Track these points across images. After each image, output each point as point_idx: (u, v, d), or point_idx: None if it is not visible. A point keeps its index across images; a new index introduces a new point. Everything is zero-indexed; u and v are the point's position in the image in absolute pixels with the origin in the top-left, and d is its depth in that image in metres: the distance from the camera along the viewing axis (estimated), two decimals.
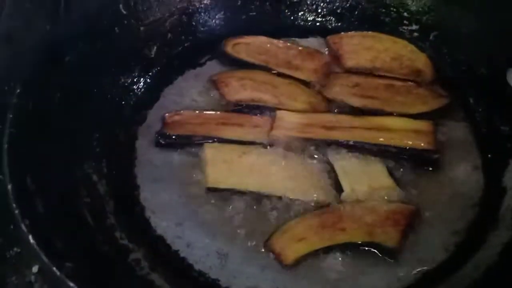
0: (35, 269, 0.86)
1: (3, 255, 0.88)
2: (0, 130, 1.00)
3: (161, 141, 0.97)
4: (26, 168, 0.77)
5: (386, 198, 0.87)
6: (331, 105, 1.01)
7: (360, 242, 0.83)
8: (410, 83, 1.03)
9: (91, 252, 0.77)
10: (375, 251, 0.82)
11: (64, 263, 0.66)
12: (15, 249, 0.89)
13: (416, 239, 0.84)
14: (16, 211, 0.69)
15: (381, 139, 0.93)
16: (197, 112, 1.00)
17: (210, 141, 0.96)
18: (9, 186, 0.72)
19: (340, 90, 1.02)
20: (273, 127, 0.96)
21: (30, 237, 0.67)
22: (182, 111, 1.00)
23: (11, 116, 0.80)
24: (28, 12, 1.19)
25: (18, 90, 0.83)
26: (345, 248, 0.83)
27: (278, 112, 0.98)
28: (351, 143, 0.93)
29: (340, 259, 0.83)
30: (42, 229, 0.70)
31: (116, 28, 1.03)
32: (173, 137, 0.97)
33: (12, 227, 0.89)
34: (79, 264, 0.70)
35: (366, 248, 0.83)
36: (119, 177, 0.92)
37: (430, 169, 0.91)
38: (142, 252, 0.83)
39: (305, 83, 1.05)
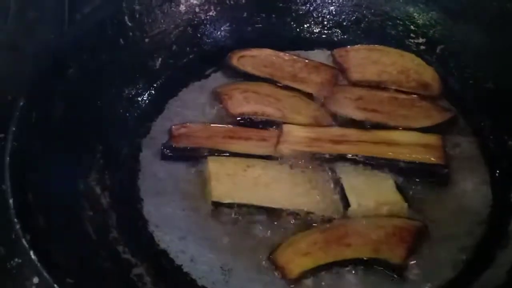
0: (35, 280, 0.86)
1: (4, 266, 0.88)
2: (2, 142, 1.01)
3: (167, 153, 0.96)
4: (28, 182, 0.76)
5: (393, 213, 0.86)
6: (335, 119, 1.01)
7: (365, 259, 0.82)
8: (414, 96, 1.02)
9: (93, 267, 0.76)
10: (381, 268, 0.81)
11: (65, 279, 0.65)
12: (16, 259, 0.89)
13: (423, 256, 0.82)
14: (17, 226, 0.68)
15: (390, 153, 0.92)
16: (203, 124, 1.00)
17: (216, 154, 0.95)
18: (11, 201, 0.71)
19: (343, 103, 1.02)
20: (280, 141, 0.95)
21: (31, 252, 0.66)
22: (188, 124, 1.00)
23: (13, 129, 0.80)
24: (32, 21, 1.20)
25: (22, 103, 0.83)
26: (351, 264, 0.82)
27: (285, 126, 0.97)
28: (358, 157, 0.92)
29: (345, 275, 0.81)
30: (43, 244, 0.70)
31: (121, 40, 1.03)
32: (179, 149, 0.96)
33: (13, 237, 0.89)
34: (80, 280, 0.69)
35: (372, 265, 0.81)
36: (123, 190, 0.92)
37: (438, 184, 0.90)
38: (144, 267, 0.82)
39: (310, 96, 1.04)
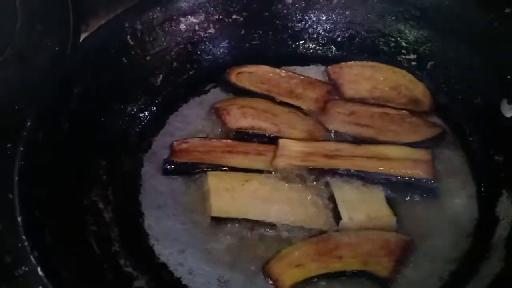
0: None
1: (11, 274, 0.92)
2: (9, 151, 1.05)
3: (168, 168, 0.99)
4: (36, 200, 0.80)
5: (382, 227, 0.90)
6: (329, 133, 1.04)
7: (354, 271, 0.86)
8: (404, 111, 1.05)
9: (96, 280, 0.80)
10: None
11: None
12: (23, 268, 0.92)
13: (410, 268, 0.86)
14: (26, 243, 0.72)
15: (381, 168, 0.95)
16: (203, 140, 1.04)
17: (216, 169, 0.98)
18: (19, 219, 0.75)
19: (336, 118, 1.05)
20: (276, 156, 0.98)
21: (39, 268, 0.70)
22: (189, 139, 1.03)
23: (21, 149, 0.84)
24: (39, 33, 1.23)
25: (29, 123, 0.87)
26: (341, 276, 0.86)
27: (281, 141, 1.01)
28: (351, 171, 0.95)
29: (336, 287, 0.85)
30: (51, 260, 0.74)
31: (123, 59, 1.07)
32: (181, 164, 0.99)
33: (20, 245, 0.93)
34: None
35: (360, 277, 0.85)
36: (125, 204, 0.95)
37: (427, 197, 0.93)
38: (145, 280, 0.85)
39: (305, 112, 1.08)
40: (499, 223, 0.88)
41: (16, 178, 0.80)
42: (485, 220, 0.90)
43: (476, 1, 1.05)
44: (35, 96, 1.03)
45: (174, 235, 0.92)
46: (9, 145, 1.10)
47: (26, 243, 0.73)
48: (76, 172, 0.92)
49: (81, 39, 1.16)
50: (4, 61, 1.10)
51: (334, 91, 1.11)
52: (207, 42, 1.18)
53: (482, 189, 0.94)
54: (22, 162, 0.82)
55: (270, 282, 0.86)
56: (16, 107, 1.10)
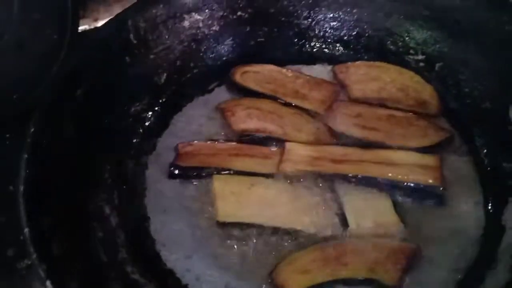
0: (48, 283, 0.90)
1: (13, 267, 0.92)
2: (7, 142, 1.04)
3: (174, 172, 0.99)
4: (42, 209, 0.80)
5: (389, 234, 0.90)
6: (335, 136, 1.03)
7: (361, 278, 0.86)
8: (410, 114, 1.04)
9: None
10: None
11: None
12: (25, 261, 0.92)
13: (417, 276, 0.86)
14: (34, 256, 0.72)
15: (390, 174, 0.94)
16: (209, 142, 1.02)
17: (221, 172, 0.97)
18: (26, 230, 0.74)
19: (343, 120, 1.04)
20: (282, 160, 0.97)
21: (48, 283, 0.70)
22: (195, 142, 1.02)
23: (26, 156, 0.82)
24: (37, 21, 1.20)
25: (32, 129, 0.85)
26: (347, 283, 0.86)
27: (288, 144, 1.00)
28: (359, 177, 0.95)
29: None
30: (58, 272, 0.73)
31: (126, 57, 1.05)
32: (186, 168, 0.98)
33: (22, 238, 0.92)
34: None
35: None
36: (130, 209, 0.95)
37: (434, 204, 0.93)
38: (153, 287, 0.85)
39: (311, 113, 1.07)
40: (506, 232, 0.88)
41: (22, 187, 0.79)
42: (491, 229, 0.90)
43: (487, 2, 1.02)
44: (33, 86, 1.02)
45: (181, 240, 0.91)
46: (7, 135, 1.09)
47: (34, 256, 0.72)
48: (81, 176, 0.91)
49: (80, 28, 1.13)
50: (1, 50, 1.08)
51: (340, 91, 1.10)
52: (211, 40, 1.16)
53: (489, 197, 0.94)
54: (27, 171, 0.81)
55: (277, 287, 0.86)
56: (14, 97, 1.08)
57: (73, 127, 0.93)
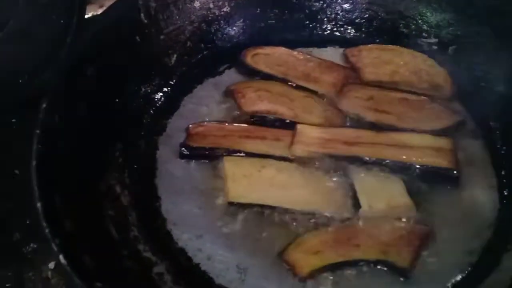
0: (51, 265, 0.90)
1: (20, 250, 0.92)
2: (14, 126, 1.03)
3: (185, 152, 0.98)
4: (54, 185, 0.79)
5: (402, 216, 0.89)
6: (346, 119, 1.02)
7: (373, 260, 0.85)
8: (423, 97, 1.03)
9: (116, 267, 0.80)
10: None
11: (94, 283, 0.69)
12: (31, 244, 0.92)
13: (430, 258, 0.85)
14: (47, 230, 0.71)
15: (404, 157, 0.93)
16: (220, 123, 1.02)
17: (232, 154, 0.97)
18: (39, 204, 0.74)
19: (354, 103, 1.03)
20: (294, 142, 0.97)
21: (61, 256, 0.69)
22: (205, 123, 1.01)
23: (38, 131, 0.82)
24: (43, 6, 1.19)
25: (44, 105, 0.85)
26: (360, 264, 0.85)
27: (299, 126, 0.99)
28: (372, 159, 0.94)
29: (355, 275, 0.84)
30: (72, 247, 0.72)
31: (137, 37, 1.04)
32: (197, 149, 0.98)
33: (28, 222, 0.92)
34: (106, 281, 0.72)
35: (379, 266, 0.85)
36: (141, 188, 0.94)
37: (448, 187, 0.92)
38: (165, 265, 0.85)
39: (322, 96, 1.06)
40: None
41: (34, 162, 0.78)
42: (506, 211, 0.89)
43: None
44: (39, 72, 1.01)
45: (192, 220, 0.91)
46: (13, 120, 1.09)
47: (46, 230, 0.71)
48: (93, 155, 0.90)
49: (87, 13, 1.12)
50: (7, 36, 1.07)
51: (352, 74, 1.09)
52: (221, 21, 1.15)
53: (504, 180, 0.93)
54: (39, 146, 0.80)
55: (288, 267, 0.85)
56: (20, 81, 1.07)
57: (85, 106, 0.92)
